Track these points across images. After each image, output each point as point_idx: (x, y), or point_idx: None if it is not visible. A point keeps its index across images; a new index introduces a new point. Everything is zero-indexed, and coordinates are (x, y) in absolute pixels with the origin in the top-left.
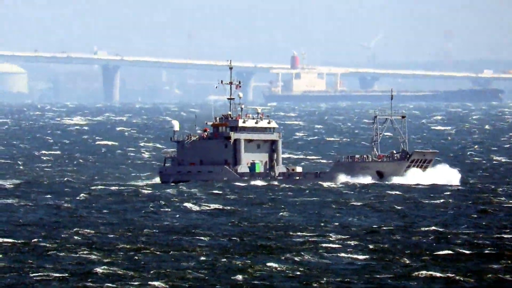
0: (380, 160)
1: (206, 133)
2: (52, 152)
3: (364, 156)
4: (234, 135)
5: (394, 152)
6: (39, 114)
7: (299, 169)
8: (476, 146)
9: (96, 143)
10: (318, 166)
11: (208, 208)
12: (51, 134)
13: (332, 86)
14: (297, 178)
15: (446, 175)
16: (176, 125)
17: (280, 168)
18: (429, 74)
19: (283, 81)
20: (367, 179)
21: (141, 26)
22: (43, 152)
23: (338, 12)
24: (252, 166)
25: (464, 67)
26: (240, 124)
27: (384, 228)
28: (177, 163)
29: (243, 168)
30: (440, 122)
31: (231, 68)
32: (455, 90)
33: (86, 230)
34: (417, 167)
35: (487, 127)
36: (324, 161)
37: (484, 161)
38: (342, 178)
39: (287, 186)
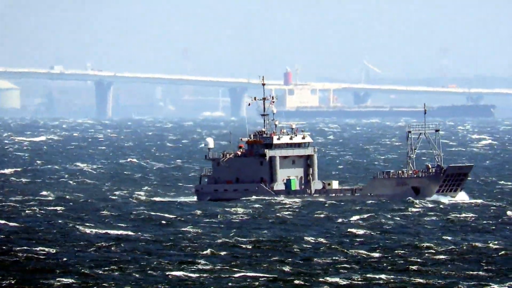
0: (416, 175)
1: (241, 150)
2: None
3: (400, 171)
4: (269, 153)
5: (430, 166)
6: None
7: (335, 183)
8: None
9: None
10: (354, 182)
11: None
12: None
13: (325, 102)
14: (334, 195)
15: None
16: (211, 143)
17: (316, 183)
18: (422, 90)
19: (277, 97)
20: (404, 195)
21: (135, 42)
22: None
23: (332, 28)
24: (288, 183)
25: (459, 84)
26: (275, 141)
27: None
28: (213, 181)
29: (279, 185)
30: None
31: (263, 85)
32: (448, 106)
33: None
34: (452, 181)
35: None
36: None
37: None
38: (378, 194)
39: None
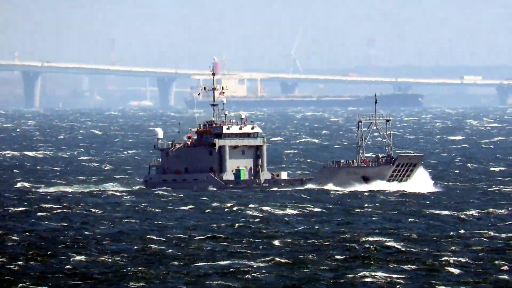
0: (365, 164)
1: (190, 140)
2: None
3: (350, 161)
4: (219, 142)
5: (380, 155)
6: None
7: (284, 174)
8: None
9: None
10: (303, 172)
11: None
12: None
13: (253, 92)
14: (283, 184)
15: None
16: (160, 133)
17: (265, 174)
18: (348, 79)
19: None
20: (353, 185)
21: (62, 32)
22: None
23: (260, 19)
24: (237, 173)
25: (386, 74)
26: (225, 130)
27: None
28: (162, 171)
29: (228, 175)
30: None
31: (213, 74)
32: (377, 95)
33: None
34: (402, 171)
35: None
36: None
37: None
38: (328, 183)
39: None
